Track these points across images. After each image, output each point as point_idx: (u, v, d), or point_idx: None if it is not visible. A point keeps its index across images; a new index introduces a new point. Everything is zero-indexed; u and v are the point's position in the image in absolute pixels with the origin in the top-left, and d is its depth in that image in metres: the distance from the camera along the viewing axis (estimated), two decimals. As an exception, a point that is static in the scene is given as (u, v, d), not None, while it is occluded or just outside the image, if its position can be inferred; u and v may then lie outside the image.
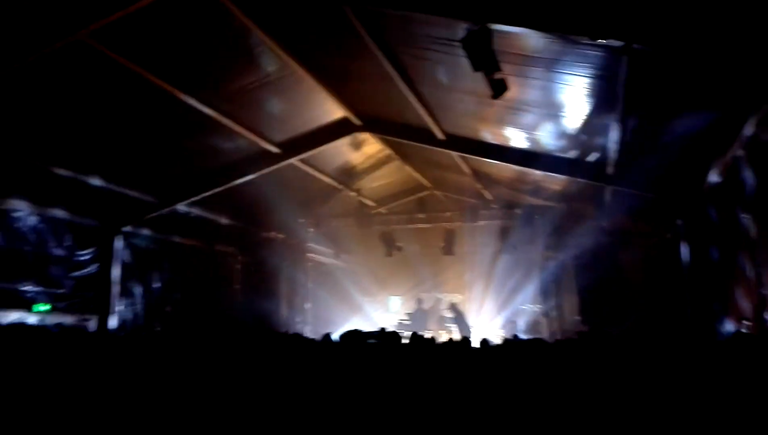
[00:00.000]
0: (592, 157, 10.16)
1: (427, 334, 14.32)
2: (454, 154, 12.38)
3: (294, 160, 12.74)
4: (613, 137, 8.61)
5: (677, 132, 8.08)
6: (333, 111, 11.43)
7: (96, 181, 11.36)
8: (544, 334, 15.53)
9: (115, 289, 13.20)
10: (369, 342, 5.06)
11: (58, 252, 12.18)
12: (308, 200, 16.32)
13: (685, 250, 10.28)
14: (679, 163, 9.39)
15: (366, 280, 20.61)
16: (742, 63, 5.65)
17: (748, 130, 6.84)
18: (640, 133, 8.47)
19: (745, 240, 7.49)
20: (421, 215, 16.99)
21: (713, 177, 8.77)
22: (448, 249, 16.92)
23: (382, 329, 7.32)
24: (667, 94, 7.19)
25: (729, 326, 8.19)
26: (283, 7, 7.79)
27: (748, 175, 7.10)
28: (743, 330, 4.99)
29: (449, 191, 17.23)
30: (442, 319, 17.55)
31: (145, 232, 14.18)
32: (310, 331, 16.80)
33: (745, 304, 7.64)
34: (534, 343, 6.50)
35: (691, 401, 3.05)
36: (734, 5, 5.13)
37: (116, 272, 13.28)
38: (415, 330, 7.86)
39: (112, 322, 12.99)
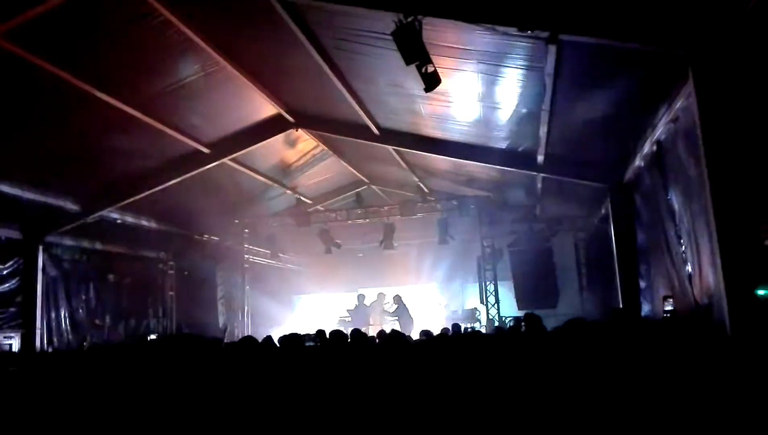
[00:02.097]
0: (523, 146, 10.42)
1: (370, 330, 14.36)
2: (390, 148, 12.41)
3: (225, 160, 12.41)
4: (542, 127, 8.84)
5: (602, 119, 8.41)
6: (264, 108, 11.20)
7: (12, 189, 10.67)
8: (483, 320, 15.83)
9: (40, 303, 12.49)
10: (307, 345, 4.97)
11: (-26, 267, 11.42)
12: (243, 200, 15.96)
13: (612, 233, 10.71)
14: (604, 148, 9.79)
15: (306, 279, 20.40)
16: (656, 53, 5.91)
17: (668, 111, 7.18)
18: (567, 122, 8.73)
19: (669, 219, 7.86)
20: (359, 211, 16.92)
21: (637, 160, 9.17)
22: (388, 243, 16.95)
23: (320, 331, 7.21)
24: (591, 84, 7.45)
25: (655, 306, 8.60)
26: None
27: (672, 156, 7.43)
28: (668, 308, 5.27)
29: (387, 185, 17.27)
30: (384, 314, 17.58)
31: (70, 241, 13.49)
32: (251, 335, 16.45)
33: (670, 282, 8.04)
34: (469, 337, 6.63)
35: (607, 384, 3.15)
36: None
37: (40, 285, 12.57)
38: (356, 326, 7.79)
39: (38, 338, 12.28)
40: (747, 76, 5.31)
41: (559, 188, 11.97)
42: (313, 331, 7.33)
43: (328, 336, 7.12)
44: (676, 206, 7.54)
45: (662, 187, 8.02)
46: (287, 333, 5.63)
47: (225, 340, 12.16)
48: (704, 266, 6.40)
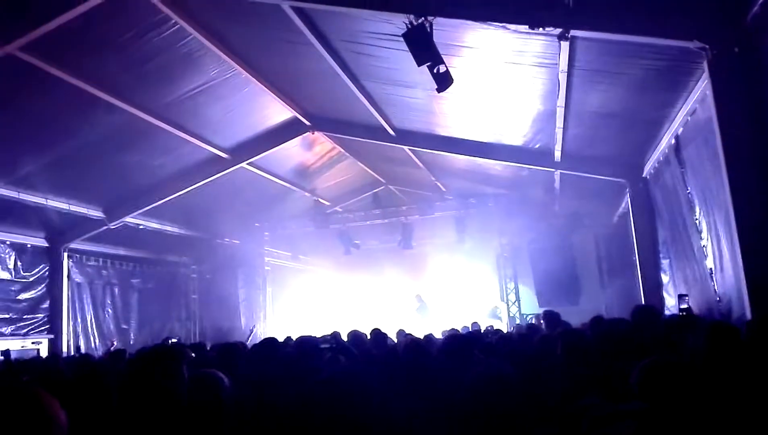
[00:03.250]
0: (540, 143, 10.35)
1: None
2: (406, 148, 12.42)
3: (244, 165, 12.55)
4: (557, 123, 8.78)
5: (618, 114, 8.33)
6: (280, 112, 11.30)
7: (36, 198, 10.90)
8: (504, 319, 15.78)
9: (66, 308, 12.77)
10: (322, 347, 5.01)
11: (1, 275, 11.70)
12: (262, 204, 16.10)
13: (633, 228, 10.59)
14: (622, 143, 9.68)
15: (326, 280, 20.51)
16: (671, 47, 5.84)
17: (685, 104, 7.09)
18: (583, 118, 8.67)
19: (689, 214, 7.76)
20: (376, 211, 16.98)
21: (656, 154, 9.06)
22: (406, 243, 16.99)
23: (336, 333, 7.25)
24: (606, 79, 7.38)
25: (674, 301, 8.47)
26: (221, 7, 7.64)
27: (690, 149, 7.34)
28: (683, 305, 5.19)
29: (404, 185, 17.29)
30: (407, 312, 17.62)
31: (95, 247, 13.77)
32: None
33: (691, 277, 7.93)
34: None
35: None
36: None
37: (66, 291, 12.85)
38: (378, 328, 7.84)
39: (64, 343, 12.55)
40: (763, 68, 5.22)
41: (577, 184, 11.86)
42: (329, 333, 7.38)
43: (347, 336, 7.18)
44: (696, 200, 7.44)
45: (682, 180, 7.92)
46: (304, 335, 5.67)
47: (249, 342, 12.29)
48: (725, 261, 6.31)
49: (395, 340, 8.57)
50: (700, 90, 6.37)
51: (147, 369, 2.50)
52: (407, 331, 9.75)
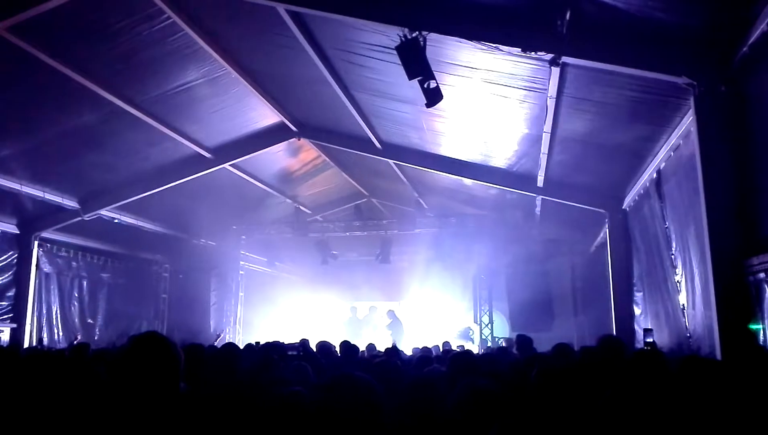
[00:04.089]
0: (523, 167, 10.41)
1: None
2: (391, 162, 12.42)
3: (227, 166, 12.42)
4: (543, 149, 8.84)
5: (603, 144, 8.42)
6: (267, 116, 11.22)
7: (11, 183, 10.65)
8: (476, 341, 15.76)
9: (32, 298, 12.44)
10: (289, 354, 4.91)
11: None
12: (242, 207, 15.94)
13: (609, 258, 10.67)
14: (605, 174, 9.78)
15: (300, 289, 20.33)
16: (659, 82, 5.92)
17: (669, 139, 7.18)
18: (568, 145, 8.74)
19: (665, 248, 7.84)
20: (357, 223, 16.92)
21: (637, 187, 9.16)
22: (385, 257, 16.93)
23: (304, 341, 7.15)
24: (594, 108, 7.45)
25: (641, 336, 8.52)
26: (216, 6, 7.58)
27: (671, 184, 7.42)
28: (649, 340, 5.22)
29: (386, 199, 17.27)
30: (376, 327, 17.52)
31: (66, 238, 13.48)
32: (240, 342, 16.35)
33: (663, 311, 7.99)
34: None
35: None
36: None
37: (33, 281, 12.53)
38: (348, 338, 7.74)
39: (27, 333, 12.21)
40: (748, 109, 5.31)
41: (558, 211, 11.95)
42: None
43: (315, 347, 7.08)
44: (673, 235, 7.52)
45: (660, 215, 8.00)
46: (271, 341, 5.56)
47: (217, 344, 12.08)
48: (697, 298, 6.36)
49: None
50: (685, 126, 6.46)
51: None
52: (377, 347, 9.69)
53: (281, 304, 19.18)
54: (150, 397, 2.19)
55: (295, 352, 5.28)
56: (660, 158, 7.70)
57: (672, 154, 7.22)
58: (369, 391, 2.34)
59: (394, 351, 5.81)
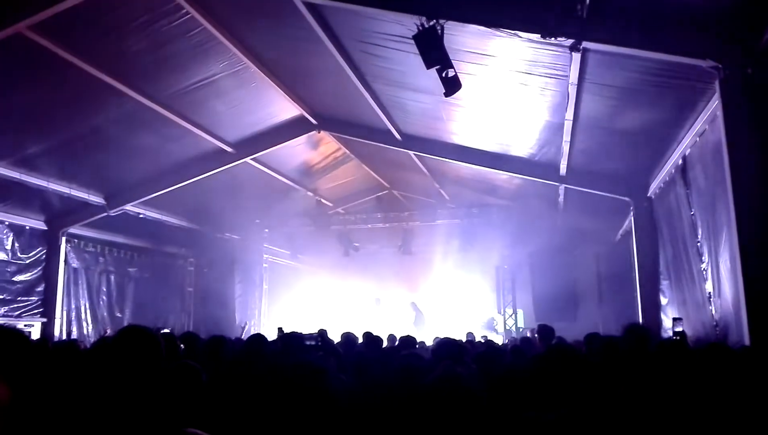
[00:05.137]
0: (546, 156, 10.28)
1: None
2: (411, 153, 12.37)
3: (248, 160, 12.50)
4: (565, 137, 8.71)
5: (627, 131, 8.26)
6: (287, 109, 11.25)
7: (38, 180, 10.86)
8: (500, 331, 15.69)
9: (61, 293, 12.71)
10: (307, 344, 4.93)
11: (-2, 255, 11.67)
12: (264, 201, 16.04)
13: (634, 247, 10.49)
14: (629, 161, 9.61)
15: (323, 281, 20.42)
16: (684, 66, 5.77)
17: (694, 124, 7.01)
18: (591, 133, 8.60)
19: (691, 235, 7.67)
20: (378, 215, 16.92)
21: (663, 174, 8.98)
22: (406, 248, 16.92)
23: (322, 331, 7.17)
24: (616, 94, 7.31)
25: (669, 325, 8.37)
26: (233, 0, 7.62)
27: (697, 171, 7.26)
28: (678, 329, 5.09)
29: (407, 191, 17.22)
30: (401, 318, 17.52)
31: (93, 234, 13.73)
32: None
33: (690, 299, 7.84)
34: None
35: None
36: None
37: (62, 276, 12.80)
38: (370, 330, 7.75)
39: (57, 328, 12.49)
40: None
41: (581, 200, 11.77)
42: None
43: (340, 338, 7.10)
44: (699, 222, 7.36)
45: (686, 202, 7.83)
46: (290, 331, 5.60)
47: (243, 337, 12.20)
48: (724, 286, 6.22)
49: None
50: (711, 110, 6.29)
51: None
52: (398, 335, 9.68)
53: (305, 296, 19.30)
54: (136, 373, 2.45)
55: (313, 342, 5.29)
56: (685, 144, 7.53)
57: (698, 139, 7.05)
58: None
59: (410, 342, 5.76)
